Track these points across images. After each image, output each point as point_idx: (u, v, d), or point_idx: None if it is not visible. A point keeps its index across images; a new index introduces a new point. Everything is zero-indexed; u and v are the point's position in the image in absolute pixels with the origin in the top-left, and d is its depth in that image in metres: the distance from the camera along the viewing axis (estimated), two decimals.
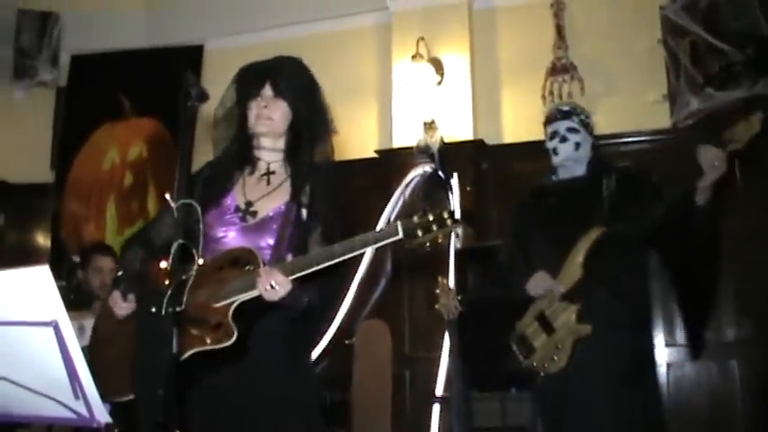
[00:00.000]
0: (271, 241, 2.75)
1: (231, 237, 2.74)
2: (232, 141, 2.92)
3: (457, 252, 5.35)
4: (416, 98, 6.18)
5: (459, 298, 4.17)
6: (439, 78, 6.18)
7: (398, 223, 2.46)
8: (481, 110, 6.26)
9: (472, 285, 5.37)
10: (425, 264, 5.43)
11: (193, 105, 2.47)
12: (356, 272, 5.67)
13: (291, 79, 2.90)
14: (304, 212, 2.79)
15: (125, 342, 2.66)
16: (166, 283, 2.29)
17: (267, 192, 2.84)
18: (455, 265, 5.30)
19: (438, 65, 6.20)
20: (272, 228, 2.77)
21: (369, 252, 5.59)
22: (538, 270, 3.75)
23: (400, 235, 2.45)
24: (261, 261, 2.59)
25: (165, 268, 2.33)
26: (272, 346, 2.63)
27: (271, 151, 2.90)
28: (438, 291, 4.23)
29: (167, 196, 2.34)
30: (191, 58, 6.86)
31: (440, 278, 4.33)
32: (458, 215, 2.51)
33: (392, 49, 6.44)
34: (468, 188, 5.83)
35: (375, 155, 6.39)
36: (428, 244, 2.46)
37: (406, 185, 5.83)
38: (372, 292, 5.76)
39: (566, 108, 4.00)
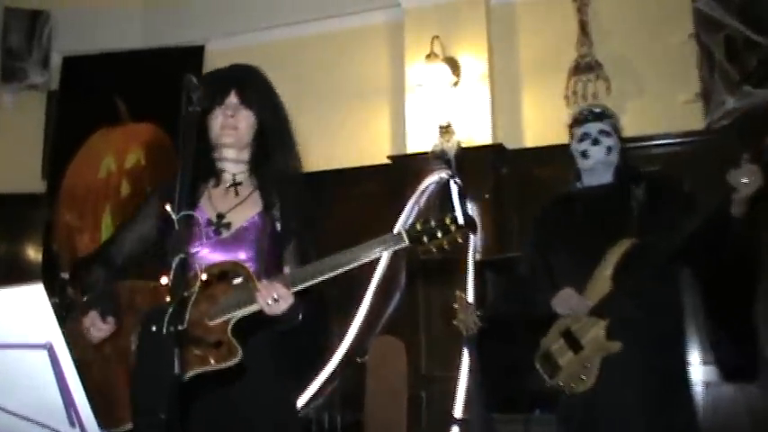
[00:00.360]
0: (250, 253, 2.80)
1: (206, 252, 2.76)
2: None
3: (475, 264, 5.37)
4: (431, 100, 6.18)
5: (478, 313, 4.17)
6: (455, 79, 6.16)
7: (402, 230, 2.58)
8: (500, 112, 6.25)
9: (492, 299, 5.34)
10: (442, 277, 5.46)
11: (194, 111, 2.46)
12: (369, 285, 5.68)
13: (257, 88, 2.95)
14: (278, 225, 2.86)
15: (103, 368, 2.69)
16: (167, 300, 2.28)
17: (237, 202, 2.89)
18: (474, 277, 5.33)
19: (454, 65, 6.18)
20: (249, 239, 2.82)
21: (382, 264, 5.61)
22: (561, 284, 3.74)
23: (406, 242, 2.57)
24: (252, 274, 2.64)
25: (167, 285, 2.32)
26: (261, 359, 2.68)
27: (235, 163, 2.96)
28: (456, 305, 4.23)
29: (168, 207, 2.34)
30: (191, 59, 6.86)
31: (458, 292, 4.33)
32: (461, 220, 2.58)
33: (405, 49, 6.44)
34: (486, 195, 5.85)
35: (388, 161, 6.39)
36: (434, 250, 2.57)
37: (422, 193, 5.85)
38: (386, 307, 5.77)
39: (598, 110, 3.98)
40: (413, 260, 5.68)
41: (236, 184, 2.93)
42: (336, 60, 6.84)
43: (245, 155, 2.95)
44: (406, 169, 6.19)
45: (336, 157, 6.55)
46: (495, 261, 5.48)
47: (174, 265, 2.26)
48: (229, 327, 2.57)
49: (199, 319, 2.57)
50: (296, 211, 2.89)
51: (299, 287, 2.58)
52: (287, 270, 2.77)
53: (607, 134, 3.87)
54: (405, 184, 6.01)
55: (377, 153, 6.50)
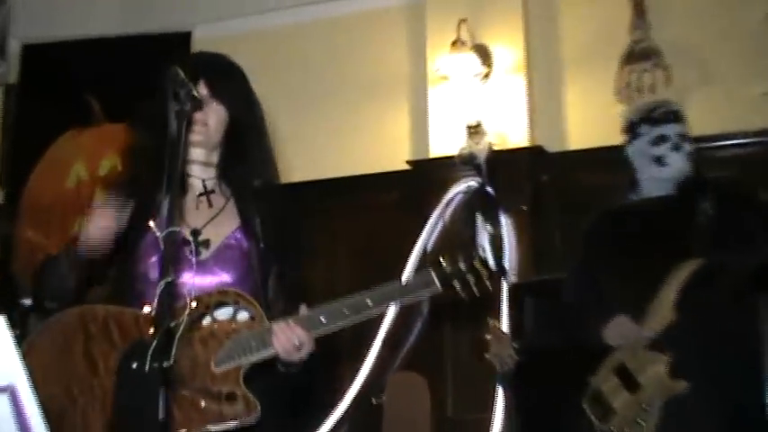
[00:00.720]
0: (234, 276, 2.81)
1: (187, 276, 2.72)
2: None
3: (511, 288, 5.36)
4: (458, 95, 6.17)
5: (514, 345, 4.18)
6: (485, 70, 6.16)
7: (432, 273, 2.72)
8: (539, 109, 6.27)
9: (531, 329, 5.32)
10: (472, 303, 5.39)
11: (182, 110, 2.46)
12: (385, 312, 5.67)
13: (229, 78, 2.97)
14: (261, 243, 2.86)
15: (77, 415, 2.60)
16: (150, 332, 2.28)
17: (213, 215, 2.88)
18: (509, 304, 5.32)
19: (484, 53, 6.16)
20: (232, 259, 2.82)
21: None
22: (614, 311, 3.71)
23: (438, 288, 2.72)
24: (259, 308, 2.64)
25: (149, 314, 2.38)
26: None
27: (204, 166, 2.95)
28: (488, 336, 4.23)
29: (152, 224, 2.36)
30: (176, 48, 6.86)
31: (490, 321, 4.34)
32: (491, 263, 2.77)
33: (427, 35, 6.45)
34: (523, 207, 5.83)
35: (407, 166, 6.40)
36: (464, 297, 2.74)
37: (447, 204, 5.85)
38: (406, 338, 5.75)
39: (675, 107, 3.93)
40: None
41: (207, 193, 2.93)
42: (346, 50, 6.84)
43: (215, 157, 2.95)
44: (428, 176, 6.20)
45: (347, 163, 6.62)
46: (535, 284, 5.49)
47: (158, 291, 2.23)
48: (241, 376, 2.56)
49: (202, 365, 2.56)
50: (277, 230, 2.90)
51: (321, 332, 2.63)
52: (303, 309, 2.70)
53: (687, 139, 3.83)
54: (427, 194, 6.04)
55: (394, 158, 6.49)
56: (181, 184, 2.81)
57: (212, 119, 2.87)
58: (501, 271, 2.77)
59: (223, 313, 2.64)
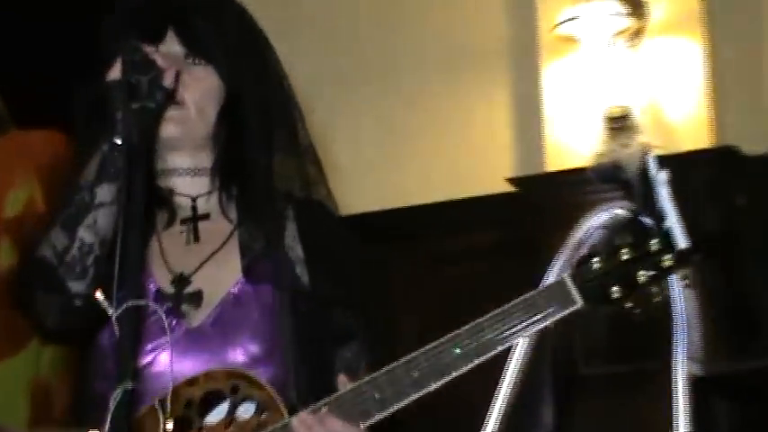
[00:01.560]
0: (254, 350, 2.72)
1: (165, 358, 2.65)
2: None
3: (692, 382, 5.02)
4: (590, 70, 6.13)
5: None
6: (636, 26, 6.13)
7: (567, 278, 2.54)
8: (730, 89, 6.20)
9: None
10: (622, 396, 5.65)
11: (144, 108, 2.43)
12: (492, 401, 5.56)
13: (220, 20, 2.85)
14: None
15: None
16: None
17: (209, 252, 2.79)
18: (689, 405, 4.98)
19: (634, 3, 5.97)
20: (246, 322, 2.73)
21: (516, 357, 5.37)
22: None
23: (578, 303, 2.49)
24: (271, 391, 2.54)
25: None
26: None
27: (191, 177, 2.86)
28: None
29: (98, 295, 2.21)
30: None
31: None
32: (681, 242, 2.49)
33: None
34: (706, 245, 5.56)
35: (510, 187, 6.36)
36: (636, 309, 2.51)
37: (578, 247, 5.52)
38: None
39: None
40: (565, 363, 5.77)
41: (196, 219, 2.83)
42: (418, 12, 6.90)
43: (207, 159, 2.84)
44: (543, 201, 6.20)
45: (412, 185, 6.72)
46: (731, 376, 5.39)
47: (111, 405, 2.11)
48: None
49: None
50: (337, 268, 2.83)
51: (379, 417, 2.47)
52: (343, 382, 2.56)
53: None
54: (543, 229, 5.82)
55: (489, 174, 6.51)
56: (164, 207, 2.84)
57: (192, 91, 2.72)
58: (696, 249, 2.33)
59: (216, 414, 2.57)
